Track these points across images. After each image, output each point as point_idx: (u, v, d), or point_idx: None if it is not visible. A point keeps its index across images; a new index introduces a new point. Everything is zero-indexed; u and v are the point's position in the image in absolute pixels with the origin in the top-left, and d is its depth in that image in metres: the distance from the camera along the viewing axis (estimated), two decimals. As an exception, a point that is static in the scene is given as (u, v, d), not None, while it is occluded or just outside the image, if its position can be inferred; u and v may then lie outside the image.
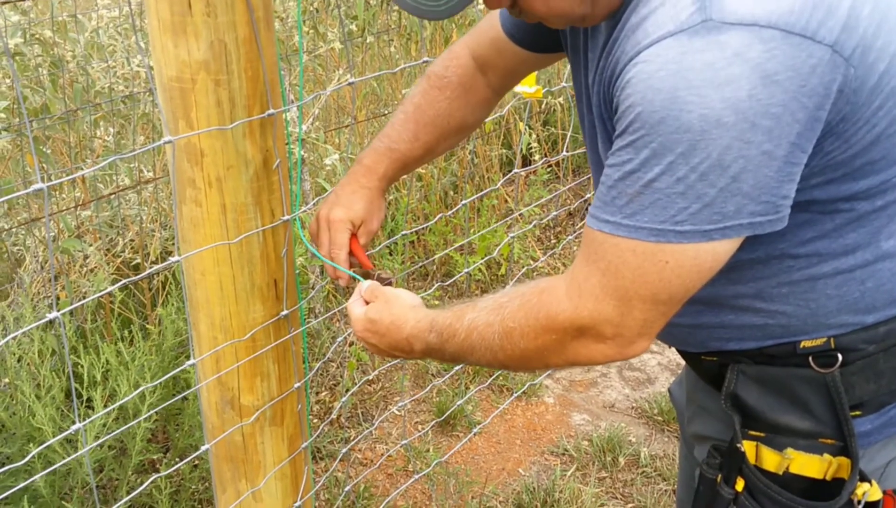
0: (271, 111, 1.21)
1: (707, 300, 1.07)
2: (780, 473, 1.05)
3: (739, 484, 1.07)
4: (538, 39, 1.33)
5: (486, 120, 3.68)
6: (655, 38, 0.87)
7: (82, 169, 2.37)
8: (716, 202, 0.87)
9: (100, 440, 1.25)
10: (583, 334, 1.00)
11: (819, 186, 0.96)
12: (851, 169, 0.94)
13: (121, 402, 1.06)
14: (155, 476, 1.28)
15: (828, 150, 0.92)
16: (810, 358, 1.04)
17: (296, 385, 1.43)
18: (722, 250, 0.92)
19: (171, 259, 1.16)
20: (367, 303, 1.28)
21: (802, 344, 1.05)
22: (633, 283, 0.94)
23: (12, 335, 0.95)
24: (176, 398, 1.36)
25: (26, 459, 1.02)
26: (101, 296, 1.07)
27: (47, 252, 2.49)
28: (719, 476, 1.11)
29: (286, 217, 1.31)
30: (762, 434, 1.08)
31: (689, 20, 0.85)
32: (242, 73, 1.17)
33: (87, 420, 1.04)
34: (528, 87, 1.74)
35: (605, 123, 1.04)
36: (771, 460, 1.06)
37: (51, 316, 1.01)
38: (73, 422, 1.92)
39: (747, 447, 1.07)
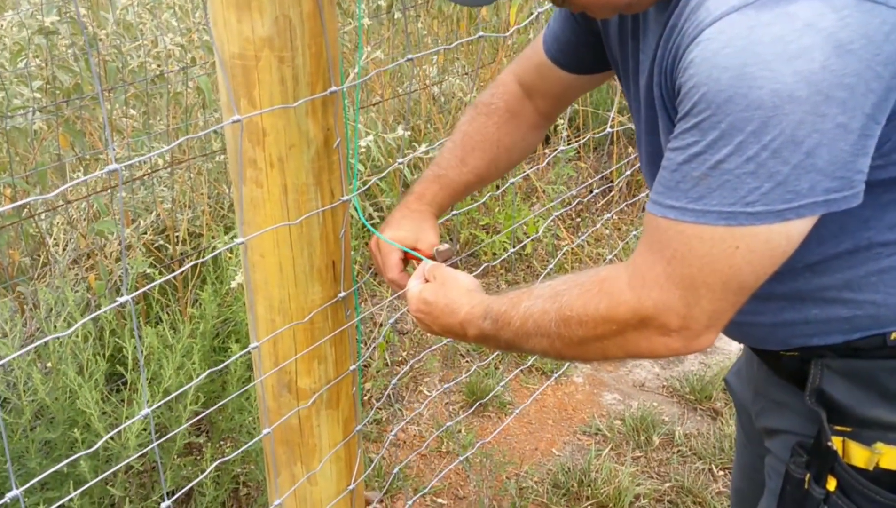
0: (334, 88, 1.18)
1: (790, 296, 1.04)
2: (871, 469, 1.01)
3: (831, 484, 1.03)
4: (582, 61, 1.31)
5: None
6: (718, 14, 0.84)
7: (113, 150, 2.33)
8: (789, 180, 0.83)
9: (164, 438, 1.23)
10: (646, 325, 0.96)
11: None
12: None
13: (185, 388, 1.04)
14: (212, 464, 1.26)
15: None
16: None
17: (351, 367, 1.42)
18: (796, 231, 0.87)
19: (237, 240, 1.14)
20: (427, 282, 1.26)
21: (893, 335, 1.00)
22: (701, 271, 0.89)
23: (81, 322, 0.93)
24: (243, 388, 1.34)
25: (93, 448, 1.00)
26: (163, 279, 1.05)
27: (72, 234, 2.47)
28: (807, 475, 1.06)
29: (346, 197, 1.28)
30: (849, 429, 1.03)
31: None
32: (306, 49, 1.13)
33: (155, 405, 1.02)
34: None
35: (670, 114, 0.99)
36: (859, 455, 1.02)
37: (121, 299, 0.99)
38: (115, 405, 1.91)
39: (835, 443, 1.03)
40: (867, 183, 0.89)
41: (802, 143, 0.81)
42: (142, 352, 1.40)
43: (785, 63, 0.79)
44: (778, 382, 1.18)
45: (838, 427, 1.04)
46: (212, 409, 1.24)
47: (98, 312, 0.92)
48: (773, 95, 0.80)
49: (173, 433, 1.34)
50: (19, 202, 0.83)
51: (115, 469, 1.52)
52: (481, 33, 1.37)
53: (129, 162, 0.85)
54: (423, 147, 3.17)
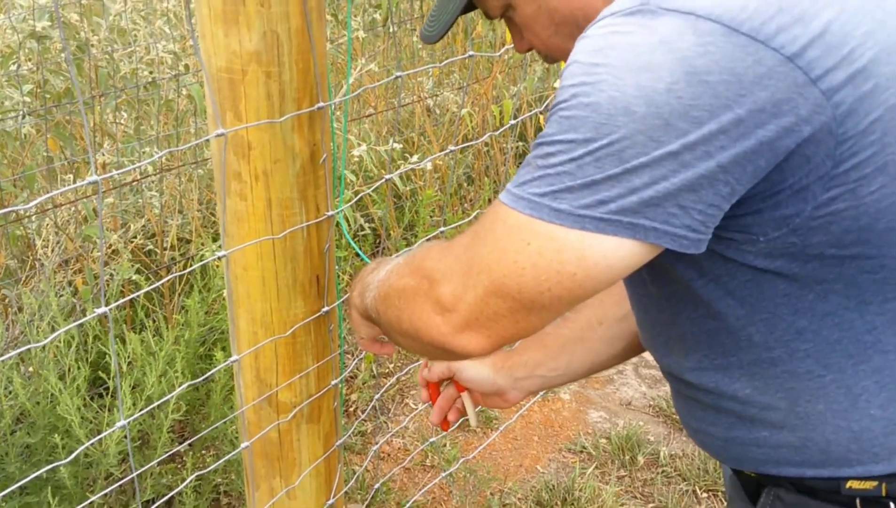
0: (321, 104, 1.18)
1: (738, 412, 0.96)
2: None
3: None
4: None
5: (504, 111, 3.65)
6: (594, 22, 0.81)
7: (102, 155, 2.34)
8: (600, 187, 0.76)
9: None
10: (429, 291, 0.88)
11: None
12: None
13: (167, 398, 1.04)
14: (193, 473, 1.26)
15: (838, 208, 0.78)
16: (858, 501, 0.90)
17: (333, 382, 1.41)
18: (592, 253, 0.78)
19: (218, 253, 1.14)
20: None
21: (849, 485, 0.89)
22: (490, 255, 0.82)
23: (60, 331, 0.93)
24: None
25: (72, 457, 0.99)
26: (149, 287, 1.05)
27: (60, 237, 2.46)
28: None
29: (330, 212, 1.28)
30: None
31: (628, 3, 0.78)
32: (294, 65, 1.14)
33: (133, 417, 1.01)
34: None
35: None
36: None
37: (100, 311, 0.98)
38: (97, 412, 1.90)
39: None
40: (798, 279, 0.83)
41: (627, 161, 0.75)
42: (118, 366, 1.39)
43: (631, 73, 0.74)
44: (742, 495, 1.06)
45: None
46: (196, 438, 1.23)
47: (77, 321, 0.91)
48: (610, 103, 0.74)
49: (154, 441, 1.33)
50: (4, 210, 0.82)
51: (94, 476, 1.51)
52: (471, 52, 1.37)
53: (109, 175, 0.85)
54: (415, 158, 3.18)
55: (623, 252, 0.78)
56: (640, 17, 0.76)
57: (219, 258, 1.13)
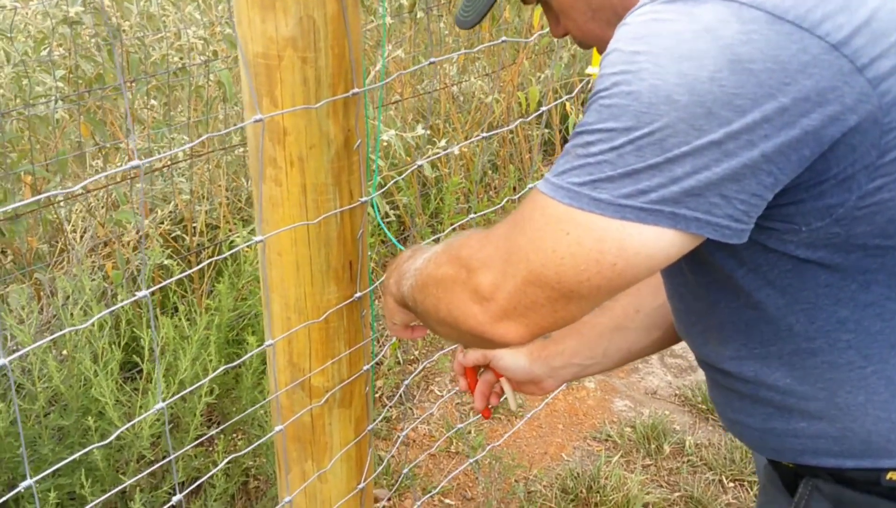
0: (356, 90, 1.18)
1: (776, 402, 0.95)
2: None
3: None
4: None
5: (530, 98, 3.63)
6: (634, 9, 0.79)
7: (134, 140, 2.35)
8: (640, 176, 0.75)
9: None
10: (468, 280, 0.88)
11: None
12: None
13: (201, 383, 1.04)
14: (224, 457, 1.27)
15: (883, 197, 0.78)
16: None
17: (365, 367, 1.42)
18: (632, 243, 0.77)
19: (254, 238, 1.15)
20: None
21: (889, 476, 0.89)
22: (529, 244, 0.81)
23: (99, 315, 0.94)
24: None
25: (108, 441, 1.00)
26: (183, 274, 1.06)
27: (90, 222, 2.49)
28: None
29: (364, 199, 1.28)
30: None
31: None
32: (329, 50, 1.14)
33: (169, 400, 1.02)
34: (598, 68, 1.69)
35: None
36: None
37: (140, 294, 0.99)
38: (130, 395, 1.93)
39: None
40: (840, 269, 0.83)
41: (669, 150, 0.74)
42: (157, 346, 1.40)
43: (673, 61, 0.73)
44: (779, 486, 1.05)
45: None
46: (230, 423, 1.24)
47: (116, 306, 0.93)
48: (652, 92, 0.73)
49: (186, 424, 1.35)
50: (44, 194, 0.84)
51: (126, 458, 1.53)
52: (504, 38, 1.36)
53: (150, 160, 0.86)
54: (443, 142, 3.18)
55: (663, 242, 0.77)
56: (681, 4, 0.75)
57: (252, 244, 1.14)
